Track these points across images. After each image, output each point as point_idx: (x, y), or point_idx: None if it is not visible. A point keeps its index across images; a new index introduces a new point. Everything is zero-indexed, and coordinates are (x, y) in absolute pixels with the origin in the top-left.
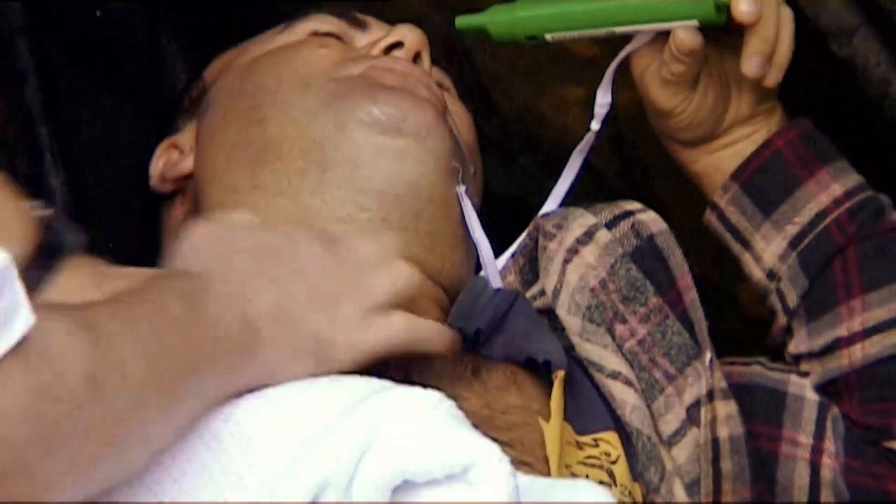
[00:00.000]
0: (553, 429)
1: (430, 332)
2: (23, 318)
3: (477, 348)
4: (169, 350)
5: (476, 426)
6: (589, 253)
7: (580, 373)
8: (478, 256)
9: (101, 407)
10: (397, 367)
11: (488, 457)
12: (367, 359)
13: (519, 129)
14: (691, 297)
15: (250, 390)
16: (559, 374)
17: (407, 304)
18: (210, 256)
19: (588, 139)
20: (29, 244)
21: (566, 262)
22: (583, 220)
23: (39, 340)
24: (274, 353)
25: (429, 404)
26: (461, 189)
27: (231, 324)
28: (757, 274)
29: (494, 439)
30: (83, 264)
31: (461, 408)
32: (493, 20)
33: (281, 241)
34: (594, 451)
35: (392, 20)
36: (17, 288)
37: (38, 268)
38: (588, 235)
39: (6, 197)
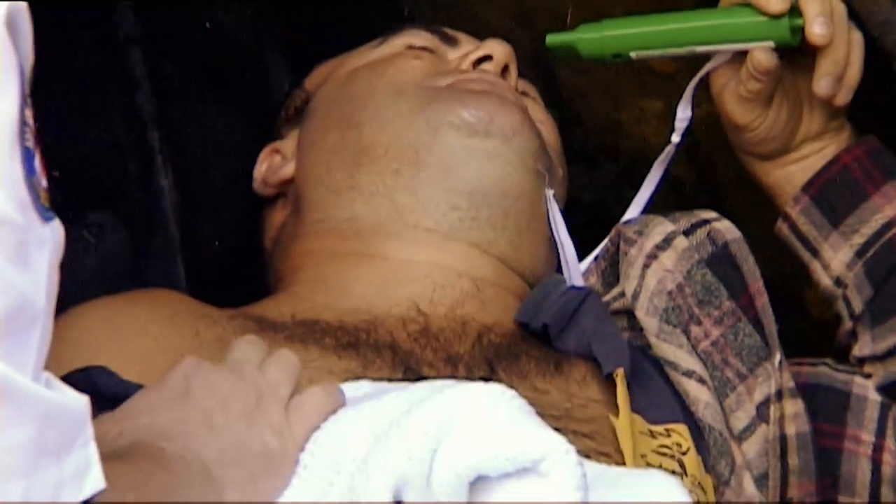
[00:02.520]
0: (622, 422)
1: (329, 393)
2: (93, 479)
3: (550, 343)
4: None
5: (558, 419)
6: (667, 258)
7: (652, 368)
8: (559, 257)
9: None
10: (483, 363)
11: (556, 449)
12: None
13: (600, 139)
14: (762, 301)
15: None
16: (619, 372)
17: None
18: (141, 430)
19: (669, 151)
20: None
21: (646, 266)
22: (662, 227)
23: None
24: (238, 489)
25: (493, 399)
26: (549, 192)
27: (196, 481)
28: (825, 281)
29: (575, 432)
30: (178, 308)
31: (544, 401)
32: (582, 39)
33: (181, 386)
34: (666, 441)
35: (480, 36)
36: (93, 449)
37: None
38: (667, 242)
39: None
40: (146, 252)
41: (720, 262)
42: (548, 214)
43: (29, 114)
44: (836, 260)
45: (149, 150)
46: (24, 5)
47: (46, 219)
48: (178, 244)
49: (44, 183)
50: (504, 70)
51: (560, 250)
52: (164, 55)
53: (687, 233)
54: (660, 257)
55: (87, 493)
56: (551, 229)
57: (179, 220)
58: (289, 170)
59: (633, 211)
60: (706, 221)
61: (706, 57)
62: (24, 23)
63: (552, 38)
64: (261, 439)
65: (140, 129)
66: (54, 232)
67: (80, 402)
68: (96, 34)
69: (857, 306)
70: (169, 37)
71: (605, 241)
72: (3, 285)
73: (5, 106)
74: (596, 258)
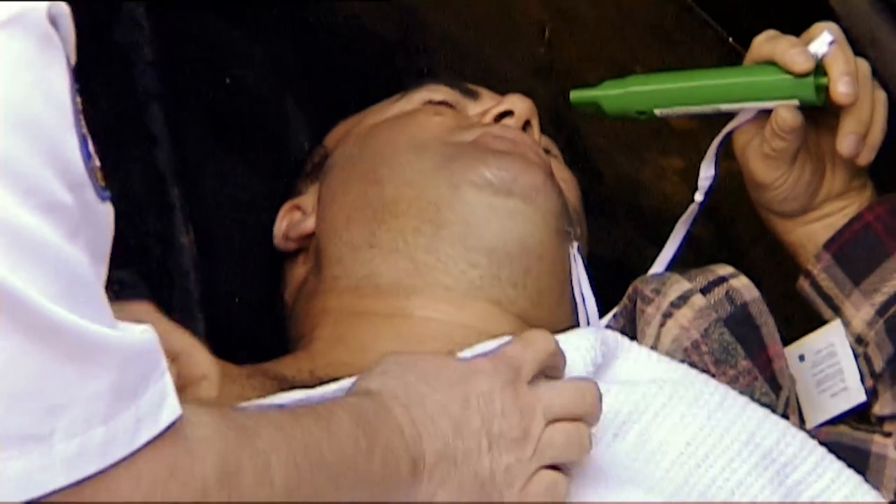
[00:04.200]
0: None
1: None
2: (169, 409)
3: None
4: (322, 465)
5: None
6: (682, 316)
7: None
8: (576, 314)
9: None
10: None
11: None
12: None
13: (620, 195)
14: (780, 364)
15: None
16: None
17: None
18: (397, 381)
19: (692, 210)
20: None
21: (661, 325)
22: (679, 285)
23: (182, 430)
24: (435, 488)
25: None
26: (573, 249)
27: (400, 457)
28: (847, 339)
29: None
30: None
31: None
32: (607, 95)
33: (467, 372)
34: None
35: (499, 91)
36: (167, 379)
37: None
38: (682, 299)
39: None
40: (167, 308)
41: (738, 322)
42: (570, 271)
43: (79, 101)
44: (857, 318)
45: (168, 206)
46: (67, 8)
47: (103, 198)
48: (197, 300)
49: (97, 163)
50: (526, 125)
51: (580, 307)
52: (184, 111)
53: (704, 291)
54: (675, 315)
55: (163, 425)
56: (571, 286)
57: (199, 276)
58: (309, 224)
59: (656, 269)
60: (724, 279)
61: (729, 115)
62: (66, 23)
63: (576, 95)
64: (487, 474)
65: (160, 186)
66: (109, 211)
67: (151, 338)
68: (116, 90)
69: (878, 364)
70: (189, 93)
71: (624, 298)
72: (63, 263)
73: (60, 92)
74: (615, 316)
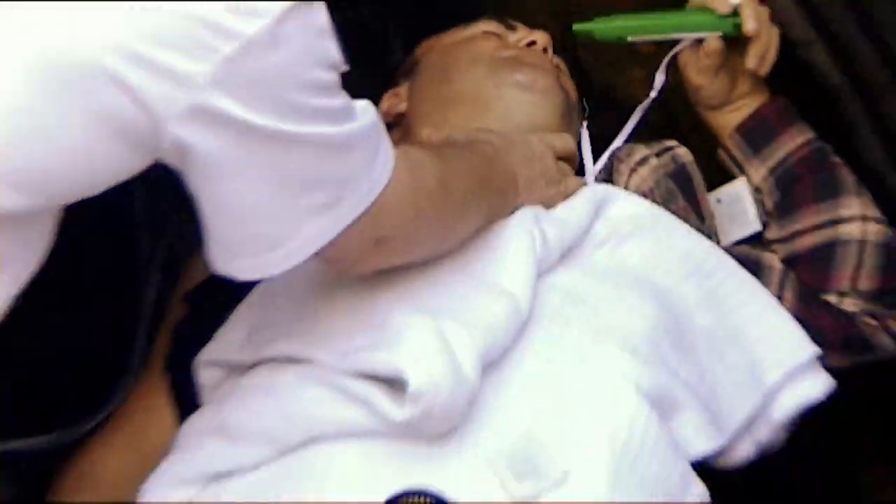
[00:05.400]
0: None
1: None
2: (392, 152)
3: None
4: (478, 177)
5: None
6: (644, 170)
7: None
8: (582, 167)
9: (445, 200)
10: None
11: None
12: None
13: (604, 95)
14: (705, 204)
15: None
16: None
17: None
18: (498, 140)
19: (647, 102)
20: None
21: (629, 177)
22: (641, 151)
23: (413, 157)
24: (518, 197)
25: None
26: (583, 128)
27: (506, 179)
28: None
29: None
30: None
31: None
32: (597, 27)
33: (530, 144)
34: None
35: (529, 25)
36: (385, 134)
37: None
38: (643, 160)
39: None
40: None
41: (679, 176)
42: (579, 140)
43: None
44: (756, 175)
45: None
46: None
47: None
48: None
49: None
50: (545, 50)
51: (585, 162)
52: None
53: (658, 155)
54: (639, 171)
55: (393, 161)
56: (579, 149)
57: None
58: (402, 107)
59: (620, 140)
60: (671, 148)
61: (676, 42)
62: None
63: (577, 27)
64: (540, 191)
65: None
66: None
67: (372, 111)
68: None
69: (769, 206)
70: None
71: (604, 158)
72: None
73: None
74: (600, 170)
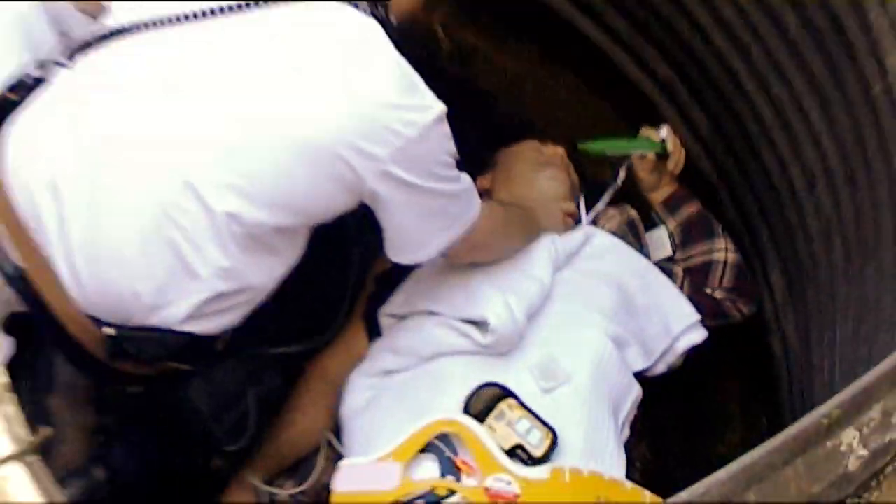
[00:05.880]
0: None
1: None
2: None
3: None
4: (522, 221)
5: None
6: (613, 221)
7: None
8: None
9: (506, 230)
10: None
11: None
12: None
13: (592, 179)
14: (644, 240)
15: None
16: None
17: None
18: (535, 206)
19: (614, 185)
20: None
21: (605, 224)
22: (611, 210)
23: (492, 207)
24: (541, 233)
25: None
26: (580, 198)
27: (536, 224)
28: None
29: None
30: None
31: None
32: (589, 147)
33: (548, 178)
34: None
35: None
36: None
37: None
38: (612, 216)
39: None
40: None
41: (631, 224)
42: (579, 203)
43: None
44: (671, 225)
45: None
46: None
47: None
48: None
49: None
50: (562, 157)
51: (582, 217)
52: None
53: (620, 213)
54: (610, 221)
55: (478, 212)
56: (578, 209)
57: None
58: (487, 185)
59: (601, 205)
60: (627, 209)
61: (629, 154)
62: None
63: (580, 146)
64: (550, 223)
65: None
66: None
67: (468, 178)
68: None
69: (677, 241)
70: None
71: (591, 214)
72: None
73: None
74: (589, 221)
